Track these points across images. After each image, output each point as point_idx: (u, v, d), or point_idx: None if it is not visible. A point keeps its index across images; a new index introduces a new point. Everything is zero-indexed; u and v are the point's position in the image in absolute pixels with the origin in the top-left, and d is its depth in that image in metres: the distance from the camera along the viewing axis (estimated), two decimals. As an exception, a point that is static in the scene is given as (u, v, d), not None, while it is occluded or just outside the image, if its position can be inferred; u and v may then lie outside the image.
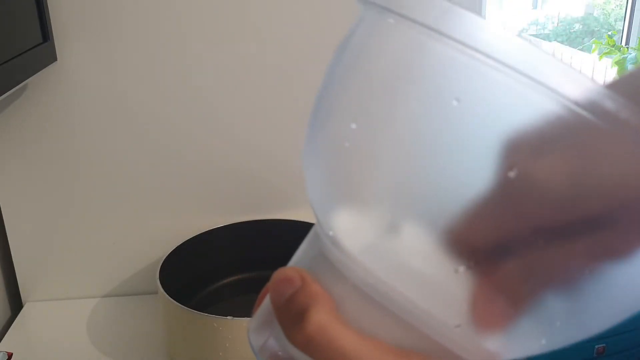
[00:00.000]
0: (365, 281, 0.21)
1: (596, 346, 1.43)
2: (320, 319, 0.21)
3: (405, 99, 0.20)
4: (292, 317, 0.21)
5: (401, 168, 0.20)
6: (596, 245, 0.18)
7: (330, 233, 0.22)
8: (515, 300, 0.20)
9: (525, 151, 0.18)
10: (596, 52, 1.57)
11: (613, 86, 0.22)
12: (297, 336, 0.21)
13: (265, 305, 0.25)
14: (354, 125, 0.21)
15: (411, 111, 0.20)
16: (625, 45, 1.63)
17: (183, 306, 0.69)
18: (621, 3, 1.80)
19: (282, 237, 0.82)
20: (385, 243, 0.20)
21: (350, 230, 0.21)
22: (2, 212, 0.85)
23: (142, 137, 0.84)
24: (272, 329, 0.23)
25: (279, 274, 0.22)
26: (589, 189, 0.17)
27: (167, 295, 0.70)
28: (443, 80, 0.19)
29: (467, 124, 0.19)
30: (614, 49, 1.52)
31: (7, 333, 0.82)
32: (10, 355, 0.73)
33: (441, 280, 0.20)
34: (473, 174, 0.19)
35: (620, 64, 1.52)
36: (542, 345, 0.21)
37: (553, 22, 2.38)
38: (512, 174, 0.18)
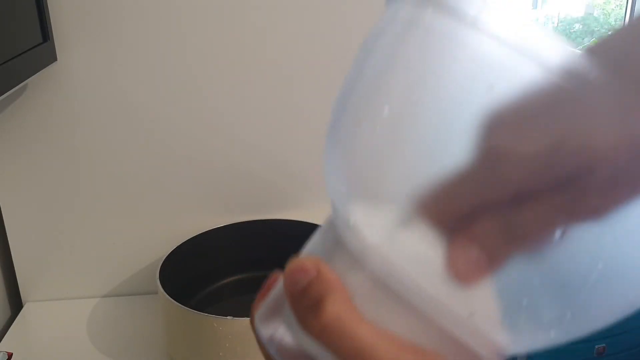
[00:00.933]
0: (383, 270, 0.21)
1: (596, 346, 1.43)
2: (337, 309, 0.21)
3: (438, 88, 0.20)
4: (307, 306, 0.21)
5: (424, 159, 0.21)
6: (568, 203, 0.19)
7: (351, 222, 0.22)
8: (490, 253, 0.20)
9: (507, 123, 0.19)
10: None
11: (607, 42, 0.22)
12: (313, 325, 0.21)
13: (275, 294, 0.24)
14: (386, 112, 0.21)
15: (442, 100, 0.20)
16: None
17: (183, 306, 0.69)
18: (621, 3, 1.80)
19: (282, 237, 0.82)
20: (403, 232, 0.20)
21: (370, 219, 0.21)
22: (2, 212, 0.85)
23: (142, 137, 0.83)
24: (284, 318, 0.23)
25: (295, 263, 0.22)
26: (564, 151, 0.18)
27: (167, 295, 0.70)
28: (477, 70, 0.19)
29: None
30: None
31: (7, 333, 0.82)
32: (10, 355, 0.73)
33: None
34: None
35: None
36: (551, 337, 0.21)
37: (553, 22, 2.38)
38: (494, 145, 0.19)
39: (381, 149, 0.21)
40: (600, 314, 0.21)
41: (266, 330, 0.24)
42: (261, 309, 0.25)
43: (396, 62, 0.22)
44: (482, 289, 0.20)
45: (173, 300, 0.69)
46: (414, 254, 0.21)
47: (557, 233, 0.19)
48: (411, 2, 0.21)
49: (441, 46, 0.20)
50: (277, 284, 0.24)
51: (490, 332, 0.20)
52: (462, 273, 0.20)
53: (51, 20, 0.75)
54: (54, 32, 0.76)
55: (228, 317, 0.67)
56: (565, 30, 2.34)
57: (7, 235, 0.85)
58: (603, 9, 2.24)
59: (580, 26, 2.30)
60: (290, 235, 0.79)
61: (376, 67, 0.22)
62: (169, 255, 0.80)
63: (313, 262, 0.22)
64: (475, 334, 0.20)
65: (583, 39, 2.19)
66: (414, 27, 0.21)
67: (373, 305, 0.21)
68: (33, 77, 0.68)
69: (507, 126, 0.19)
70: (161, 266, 0.77)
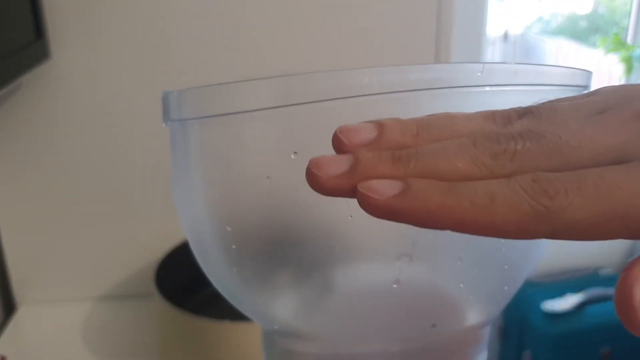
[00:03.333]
0: (339, 346, 0.20)
1: (601, 349, 1.42)
2: None
3: None
4: None
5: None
6: None
7: (276, 326, 0.22)
8: None
9: None
10: (602, 48, 1.56)
11: None
12: None
13: None
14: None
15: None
16: (631, 42, 1.62)
17: (179, 310, 0.68)
18: (627, 0, 1.79)
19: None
20: (331, 298, 0.20)
21: (292, 311, 0.21)
22: (-4, 213, 0.84)
23: (137, 136, 0.83)
24: None
25: None
26: None
27: (162, 299, 0.70)
28: None
29: None
30: (619, 45, 1.51)
31: (1, 336, 0.81)
32: (4, 358, 0.72)
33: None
34: None
35: (626, 60, 1.51)
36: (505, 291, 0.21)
37: (558, 19, 2.36)
38: None
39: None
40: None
41: None
42: None
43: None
44: None
45: (169, 304, 0.69)
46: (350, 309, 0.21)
47: None
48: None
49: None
50: None
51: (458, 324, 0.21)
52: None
53: (45, 17, 0.74)
54: (48, 29, 0.75)
55: (225, 321, 0.66)
56: (571, 27, 2.32)
57: (1, 236, 0.85)
58: (608, 6, 2.22)
59: (586, 23, 2.28)
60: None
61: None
62: (164, 257, 0.79)
63: None
64: (445, 336, 0.20)
65: (588, 35, 2.17)
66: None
67: None
68: (27, 74, 0.67)
69: None
70: (157, 268, 0.76)
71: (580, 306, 1.39)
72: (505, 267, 0.21)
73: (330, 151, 0.18)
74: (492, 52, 2.12)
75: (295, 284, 0.20)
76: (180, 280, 0.80)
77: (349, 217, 0.18)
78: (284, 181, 0.19)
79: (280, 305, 0.21)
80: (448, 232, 0.17)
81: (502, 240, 0.19)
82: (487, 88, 0.18)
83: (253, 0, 0.79)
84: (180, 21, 0.78)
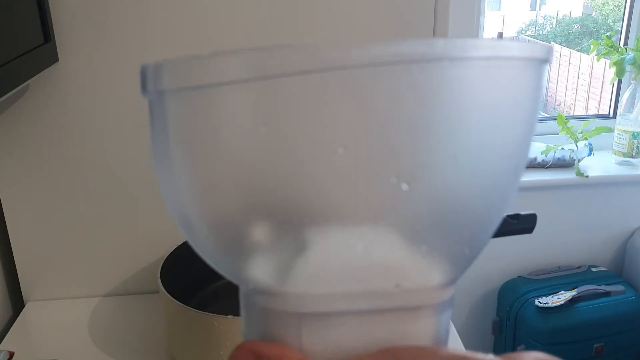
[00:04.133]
0: (311, 304, 0.22)
1: (595, 345, 1.43)
2: None
3: None
4: None
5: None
6: None
7: (251, 286, 0.23)
8: None
9: None
10: (594, 52, 1.57)
11: None
12: None
13: None
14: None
15: None
16: (624, 46, 1.64)
17: (184, 305, 0.69)
18: (620, 4, 1.81)
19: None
20: (304, 260, 0.21)
21: (267, 272, 0.22)
22: (4, 212, 0.85)
23: (143, 137, 0.84)
24: None
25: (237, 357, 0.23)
26: None
27: (168, 294, 0.70)
28: None
29: None
30: (612, 49, 1.53)
31: (9, 332, 0.82)
32: (11, 355, 0.73)
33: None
34: None
35: (618, 64, 1.52)
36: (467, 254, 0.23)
37: (551, 23, 2.38)
38: None
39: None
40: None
41: None
42: None
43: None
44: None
45: (174, 300, 0.70)
46: (322, 268, 0.21)
47: None
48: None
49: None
50: None
51: (424, 284, 0.22)
52: None
53: (52, 21, 0.75)
54: (55, 33, 0.76)
55: (229, 316, 0.67)
56: (564, 31, 2.34)
57: (9, 234, 0.86)
58: (601, 10, 2.24)
59: (579, 27, 2.30)
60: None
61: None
62: (170, 254, 0.80)
63: (250, 349, 0.22)
64: (412, 296, 0.22)
65: (581, 39, 2.20)
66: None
67: (323, 341, 0.22)
68: (34, 77, 0.68)
69: None
70: (162, 265, 0.77)
71: (573, 302, 1.41)
72: (466, 231, 0.22)
73: (301, 124, 0.20)
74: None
75: (269, 246, 0.22)
76: (186, 277, 0.81)
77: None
78: (258, 154, 0.20)
79: (255, 267, 0.22)
80: (416, 197, 0.20)
81: (462, 204, 0.22)
82: (448, 62, 0.19)
83: (250, 8, 0.80)
84: (186, 24, 0.80)
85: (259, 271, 0.22)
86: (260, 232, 0.22)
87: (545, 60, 0.22)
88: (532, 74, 0.22)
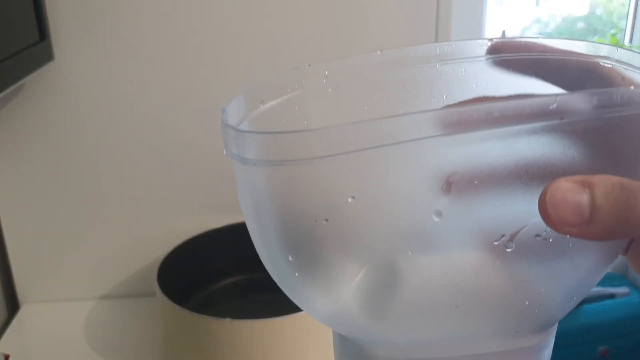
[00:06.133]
0: (408, 351, 0.21)
1: (599, 348, 1.42)
2: None
3: None
4: None
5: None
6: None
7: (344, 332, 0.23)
8: None
9: None
10: (599, 50, 1.56)
11: None
12: None
13: None
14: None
15: None
16: (629, 43, 1.62)
17: (181, 307, 0.68)
18: (624, 1, 1.79)
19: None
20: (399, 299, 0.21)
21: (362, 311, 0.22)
22: (-1, 213, 0.84)
23: (139, 137, 0.83)
24: None
25: None
26: None
27: (165, 297, 0.70)
28: None
29: None
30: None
31: (4, 335, 0.81)
32: (7, 357, 0.72)
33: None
34: None
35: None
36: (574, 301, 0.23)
37: (556, 21, 2.37)
38: None
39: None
40: None
41: None
42: None
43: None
44: None
45: (171, 302, 0.69)
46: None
47: None
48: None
49: None
50: None
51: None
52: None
53: (48, 19, 0.74)
54: (51, 31, 0.75)
55: (226, 319, 0.66)
56: (568, 29, 2.33)
57: (4, 236, 0.85)
58: (606, 8, 2.23)
59: (583, 25, 2.28)
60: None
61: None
62: (166, 256, 0.79)
63: None
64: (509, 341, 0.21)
65: (586, 37, 2.18)
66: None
67: None
68: (30, 76, 0.68)
69: None
70: (159, 268, 0.76)
71: (578, 305, 1.40)
72: (576, 279, 0.22)
73: (387, 195, 0.20)
74: (490, 54, 2.12)
75: (359, 281, 0.21)
76: (183, 280, 0.81)
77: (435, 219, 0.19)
78: (343, 223, 0.20)
79: (345, 304, 0.22)
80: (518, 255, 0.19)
81: (577, 252, 0.21)
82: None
83: (248, 7, 0.79)
84: (183, 22, 0.79)
85: (348, 310, 0.22)
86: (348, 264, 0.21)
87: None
88: None
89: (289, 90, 0.26)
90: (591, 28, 2.19)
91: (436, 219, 0.19)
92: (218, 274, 0.87)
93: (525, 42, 0.26)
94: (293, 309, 0.64)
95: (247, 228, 0.24)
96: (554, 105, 0.17)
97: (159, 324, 0.78)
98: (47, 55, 0.74)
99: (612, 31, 1.60)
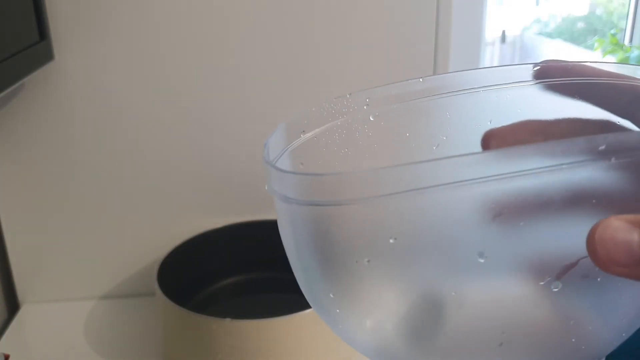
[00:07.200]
0: None
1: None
2: None
3: None
4: None
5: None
6: None
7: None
8: None
9: None
10: (599, 50, 1.56)
11: None
12: None
13: None
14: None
15: None
16: (629, 43, 1.62)
17: (181, 307, 0.68)
18: (624, 1, 1.79)
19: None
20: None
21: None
22: (-1, 213, 0.84)
23: (139, 137, 0.83)
24: None
25: None
26: None
27: (165, 297, 0.70)
28: None
29: None
30: (617, 47, 1.52)
31: (4, 334, 0.81)
32: (7, 357, 0.72)
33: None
34: None
35: (623, 62, 1.51)
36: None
37: (556, 21, 2.37)
38: None
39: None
40: None
41: None
42: None
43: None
44: None
45: (171, 302, 0.69)
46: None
47: None
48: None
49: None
50: None
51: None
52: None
53: (48, 18, 0.74)
54: (51, 31, 0.75)
55: (227, 319, 0.66)
56: (568, 29, 2.33)
57: (4, 235, 0.85)
58: (606, 8, 2.23)
59: (584, 25, 2.28)
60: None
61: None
62: (166, 256, 0.79)
63: None
64: None
65: (586, 37, 2.18)
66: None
67: None
68: (29, 76, 0.68)
69: None
70: (159, 268, 0.76)
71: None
72: (625, 317, 0.22)
73: (429, 236, 0.20)
74: (491, 54, 2.13)
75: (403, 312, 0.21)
76: (183, 279, 0.81)
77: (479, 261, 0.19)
78: (384, 264, 0.21)
79: (388, 341, 0.22)
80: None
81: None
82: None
83: (248, 6, 0.79)
84: (184, 22, 0.79)
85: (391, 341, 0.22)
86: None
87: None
88: None
89: (329, 120, 0.26)
90: (591, 28, 2.19)
91: (480, 260, 0.19)
92: (218, 274, 0.87)
93: (573, 65, 0.25)
94: (293, 309, 0.64)
95: (289, 261, 0.24)
96: (603, 147, 0.17)
97: (159, 324, 0.78)
98: (47, 55, 0.74)
99: (612, 31, 1.60)
